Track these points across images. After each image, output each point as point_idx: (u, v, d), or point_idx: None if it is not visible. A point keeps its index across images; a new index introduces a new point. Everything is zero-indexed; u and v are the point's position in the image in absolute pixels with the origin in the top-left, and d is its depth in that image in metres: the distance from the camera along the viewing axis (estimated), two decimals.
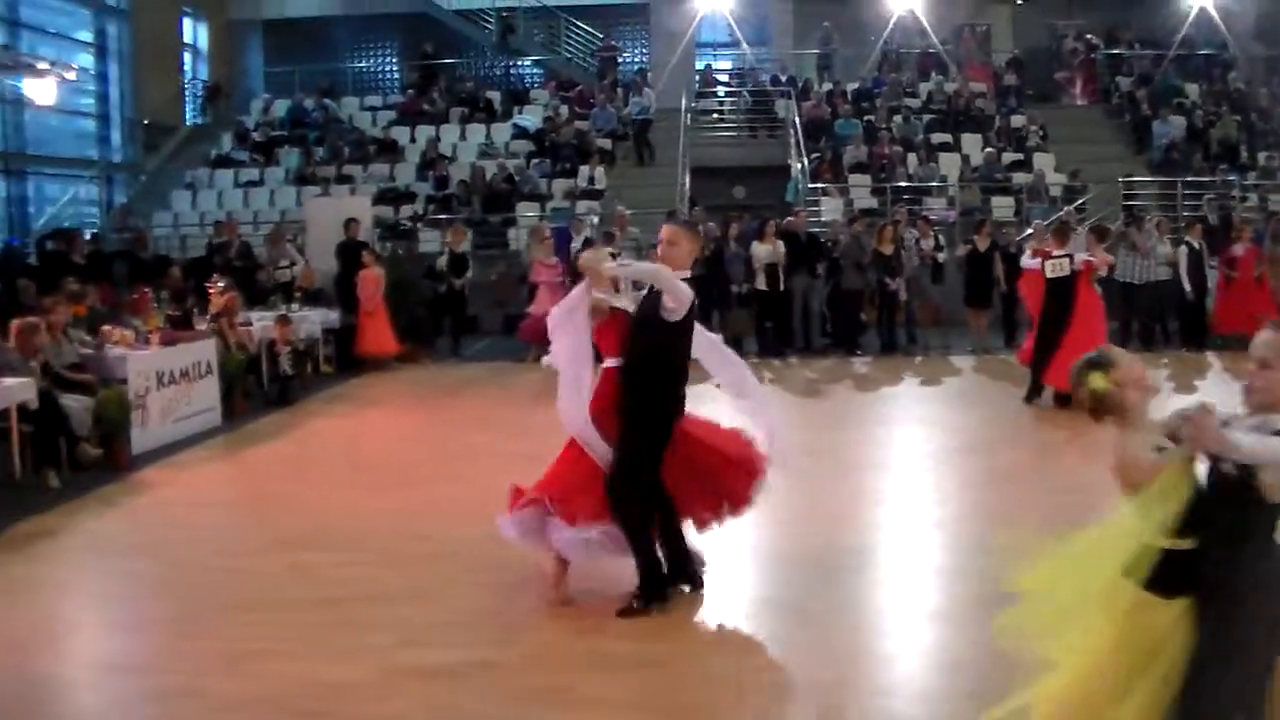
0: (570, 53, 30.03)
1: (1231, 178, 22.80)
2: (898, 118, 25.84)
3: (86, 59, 26.50)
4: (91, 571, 8.30)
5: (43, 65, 20.15)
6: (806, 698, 5.68)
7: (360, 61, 31.84)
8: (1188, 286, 17.95)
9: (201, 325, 13.91)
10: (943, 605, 6.96)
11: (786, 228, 18.52)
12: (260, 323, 14.91)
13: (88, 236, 19.91)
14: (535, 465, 10.55)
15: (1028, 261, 13.89)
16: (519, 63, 30.58)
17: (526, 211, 22.82)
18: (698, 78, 28.20)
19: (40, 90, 19.88)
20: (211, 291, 14.49)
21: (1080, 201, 21.76)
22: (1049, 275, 13.22)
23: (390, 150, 25.82)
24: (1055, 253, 13.28)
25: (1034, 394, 13.44)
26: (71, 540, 8.90)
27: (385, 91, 30.24)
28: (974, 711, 5.44)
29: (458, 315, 18.62)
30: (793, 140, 24.27)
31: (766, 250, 17.82)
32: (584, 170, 24.32)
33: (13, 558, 8.37)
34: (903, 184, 23.08)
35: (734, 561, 7.97)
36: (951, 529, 8.66)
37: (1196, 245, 18.15)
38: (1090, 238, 14.01)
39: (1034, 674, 3.81)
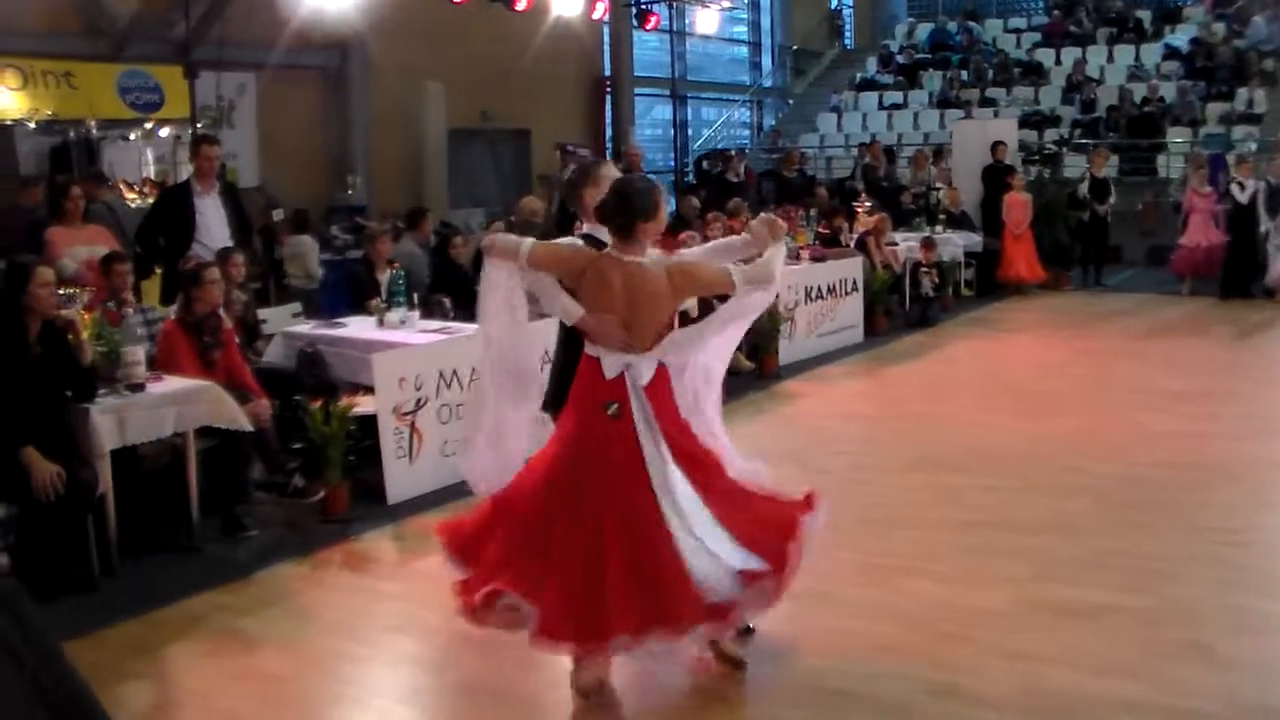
0: None
1: None
2: None
3: None
4: None
5: None
6: None
7: None
8: None
9: (848, 244, 14.21)
10: None
11: None
12: (905, 243, 15.06)
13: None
14: (1184, 402, 10.12)
15: None
16: None
17: (1177, 137, 21.52)
18: None
19: (705, 20, 21.06)
20: (859, 211, 14.81)
21: None
22: None
23: (1035, 73, 25.20)
24: None
25: None
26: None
27: (1029, 13, 29.43)
28: None
29: (1099, 243, 17.87)
30: None
31: None
32: (1241, 93, 22.51)
33: None
34: None
35: None
36: None
37: None
38: None
39: None
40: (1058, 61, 25.56)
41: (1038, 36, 26.95)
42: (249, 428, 6.92)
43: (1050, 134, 22.51)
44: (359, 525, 7.18)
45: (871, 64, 27.63)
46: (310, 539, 6.94)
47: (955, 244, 16.29)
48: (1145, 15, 26.56)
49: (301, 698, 5.05)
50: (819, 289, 12.63)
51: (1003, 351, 13.31)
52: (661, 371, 4.85)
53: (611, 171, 5.32)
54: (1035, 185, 18.16)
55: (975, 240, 16.99)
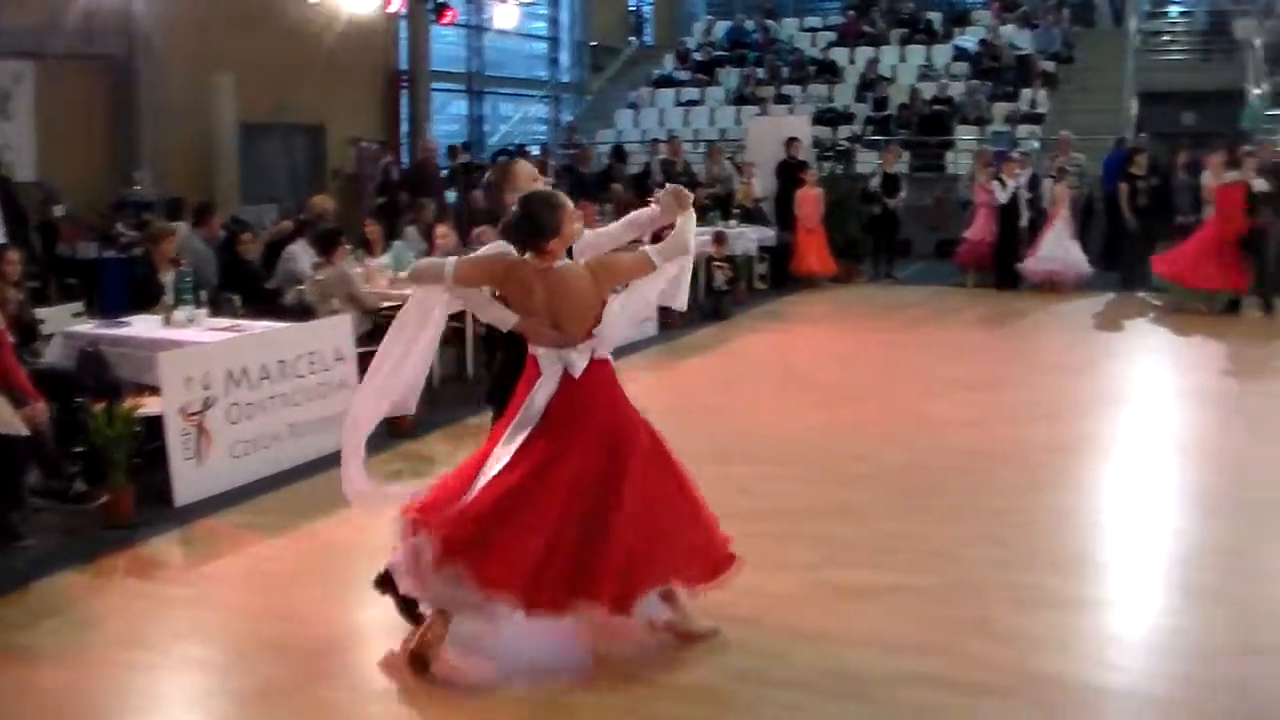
0: None
1: None
2: None
3: None
4: None
5: None
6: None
7: None
8: None
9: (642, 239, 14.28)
10: None
11: (1265, 159, 17.17)
12: (698, 238, 15.16)
13: (536, 152, 20.91)
14: (966, 391, 10.50)
15: None
16: None
17: (965, 135, 22.27)
18: None
19: (503, 15, 21.02)
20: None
21: None
22: None
23: (829, 71, 25.72)
24: None
25: None
26: None
27: (825, 13, 30.07)
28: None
29: (890, 237, 18.40)
30: (1251, 63, 22.47)
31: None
32: (1026, 93, 23.44)
33: (470, 446, 8.91)
34: None
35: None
36: None
37: None
38: None
39: None
40: (852, 60, 26.10)
41: (833, 36, 27.49)
42: (24, 432, 6.66)
43: (843, 131, 22.96)
44: (145, 530, 6.95)
45: (669, 61, 27.86)
46: (92, 546, 6.70)
47: (749, 238, 16.55)
48: (936, 17, 27.38)
49: (84, 710, 4.89)
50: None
51: (795, 343, 13.61)
52: (597, 363, 5.12)
53: (527, 169, 5.63)
54: (828, 181, 18.59)
55: (769, 234, 17.30)
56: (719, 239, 15.10)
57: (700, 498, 5.44)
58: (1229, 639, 5.44)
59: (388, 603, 5.45)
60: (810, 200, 17.30)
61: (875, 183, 18.14)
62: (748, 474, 7.94)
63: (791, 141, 18.29)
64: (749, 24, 28.22)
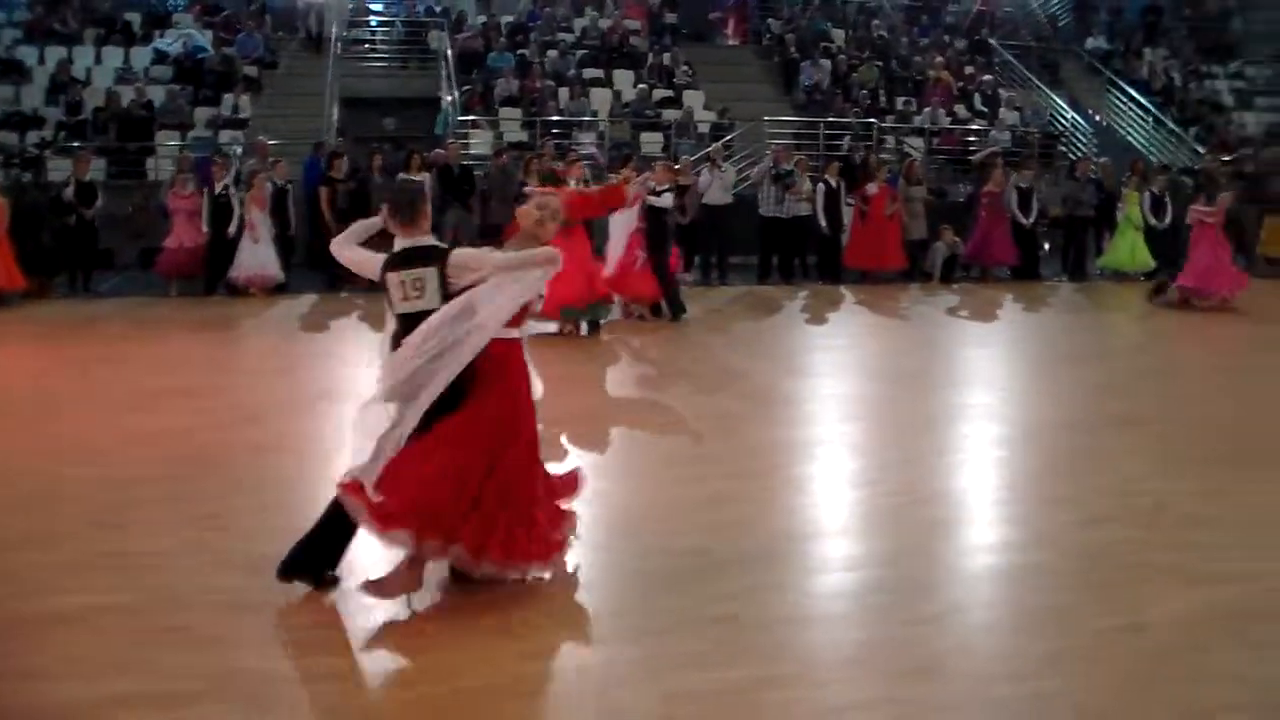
0: None
1: (870, 120, 23.93)
2: (551, 52, 25.91)
3: None
4: None
5: None
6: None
7: None
8: (823, 222, 18.89)
9: None
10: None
11: (434, 160, 18.34)
12: None
13: None
14: (171, 400, 10.27)
15: None
16: None
17: (166, 140, 21.85)
18: (350, 6, 27.51)
19: None
20: None
21: (727, 139, 22.36)
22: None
23: (16, 71, 24.11)
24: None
25: None
26: None
27: (11, 8, 28.10)
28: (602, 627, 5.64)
29: (88, 248, 17.63)
30: (444, 72, 24.06)
31: None
32: (228, 98, 23.42)
33: None
34: (554, 118, 23.21)
35: None
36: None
37: (834, 183, 19.12)
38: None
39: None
40: (41, 60, 24.64)
41: (19, 33, 25.83)
42: None
43: (33, 136, 21.76)
44: None
45: None
46: None
47: None
48: (135, 18, 26.50)
49: None
50: None
51: None
52: None
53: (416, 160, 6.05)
54: (14, 190, 17.52)
55: None
56: None
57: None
58: None
59: None
60: None
61: (69, 191, 17.35)
62: None
63: None
64: None
